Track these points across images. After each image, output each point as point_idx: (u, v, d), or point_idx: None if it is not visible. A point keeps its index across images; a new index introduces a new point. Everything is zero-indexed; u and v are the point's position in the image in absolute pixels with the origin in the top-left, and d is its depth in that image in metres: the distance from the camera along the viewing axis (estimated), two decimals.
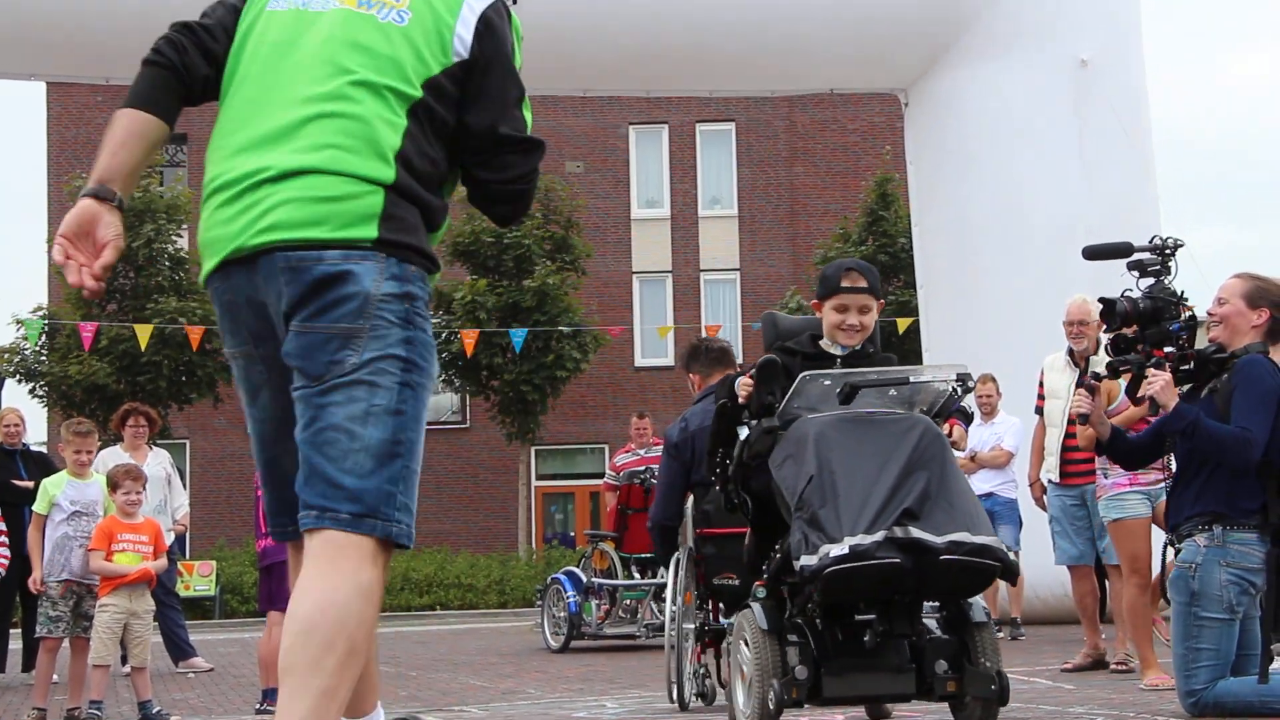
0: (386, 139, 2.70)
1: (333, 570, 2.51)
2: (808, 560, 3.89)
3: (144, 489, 7.06)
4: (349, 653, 2.47)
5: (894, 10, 11.90)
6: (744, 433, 4.46)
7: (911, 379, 4.40)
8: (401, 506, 2.60)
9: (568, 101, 26.68)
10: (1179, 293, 4.99)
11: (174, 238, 23.22)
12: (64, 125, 29.41)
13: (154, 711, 6.57)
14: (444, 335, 22.58)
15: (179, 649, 9.68)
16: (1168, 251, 5.02)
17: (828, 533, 3.90)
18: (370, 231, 2.65)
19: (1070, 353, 7.39)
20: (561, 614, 10.97)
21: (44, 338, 22.57)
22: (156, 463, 9.27)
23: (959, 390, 4.38)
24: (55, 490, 7.10)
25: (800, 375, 4.35)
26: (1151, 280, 5.00)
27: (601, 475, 13.86)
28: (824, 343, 4.66)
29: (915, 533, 3.90)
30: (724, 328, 23.63)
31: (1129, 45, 12.22)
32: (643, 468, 10.80)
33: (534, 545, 25.44)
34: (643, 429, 11.53)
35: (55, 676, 7.13)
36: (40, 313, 23.29)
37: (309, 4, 2.83)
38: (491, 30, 2.88)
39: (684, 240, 29.68)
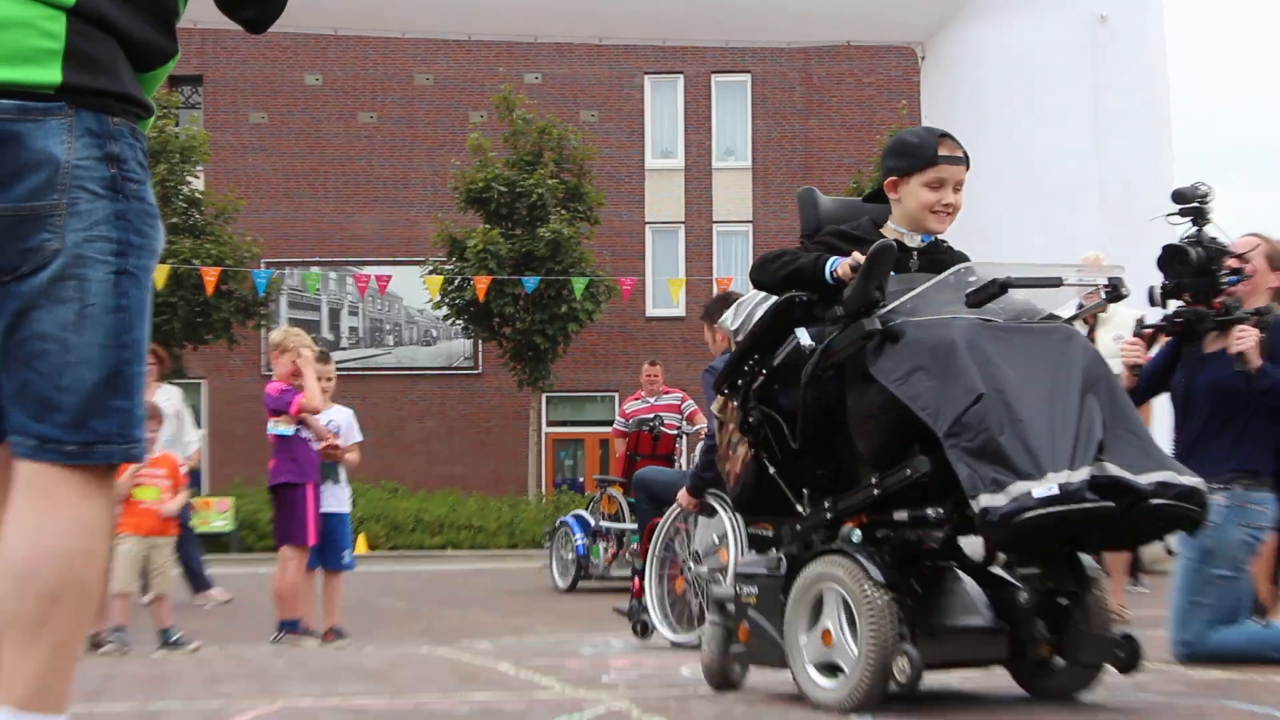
0: None
1: (52, 508, 2.06)
2: (992, 501, 3.14)
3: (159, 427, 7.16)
4: (79, 599, 2.07)
5: None
6: (803, 337, 3.66)
7: (1066, 281, 3.66)
8: (137, 421, 2.13)
9: (583, 50, 26.56)
10: (1225, 244, 4.87)
11: (188, 179, 23.27)
12: None
13: (174, 638, 6.69)
14: (457, 281, 22.64)
15: (197, 580, 9.82)
16: (1201, 196, 4.91)
17: (1017, 468, 3.15)
18: (51, 75, 2.00)
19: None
20: (569, 556, 11.11)
21: None
22: (166, 399, 9.37)
23: (1106, 298, 3.66)
24: None
25: (949, 268, 3.60)
26: (1195, 229, 4.88)
27: (611, 423, 13.95)
28: (894, 228, 3.89)
29: (1113, 471, 3.23)
30: (735, 280, 23.65)
31: (1148, 2, 12.13)
32: (652, 415, 10.90)
33: (543, 489, 25.60)
34: (654, 376, 11.60)
35: None
36: None
37: None
38: None
39: (697, 191, 29.61)
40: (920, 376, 3.36)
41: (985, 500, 3.16)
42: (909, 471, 3.46)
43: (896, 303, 3.55)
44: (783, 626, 3.70)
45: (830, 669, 3.57)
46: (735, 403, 3.94)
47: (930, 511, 3.48)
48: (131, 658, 6.17)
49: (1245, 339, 4.74)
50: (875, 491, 3.54)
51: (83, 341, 2.05)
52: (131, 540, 6.71)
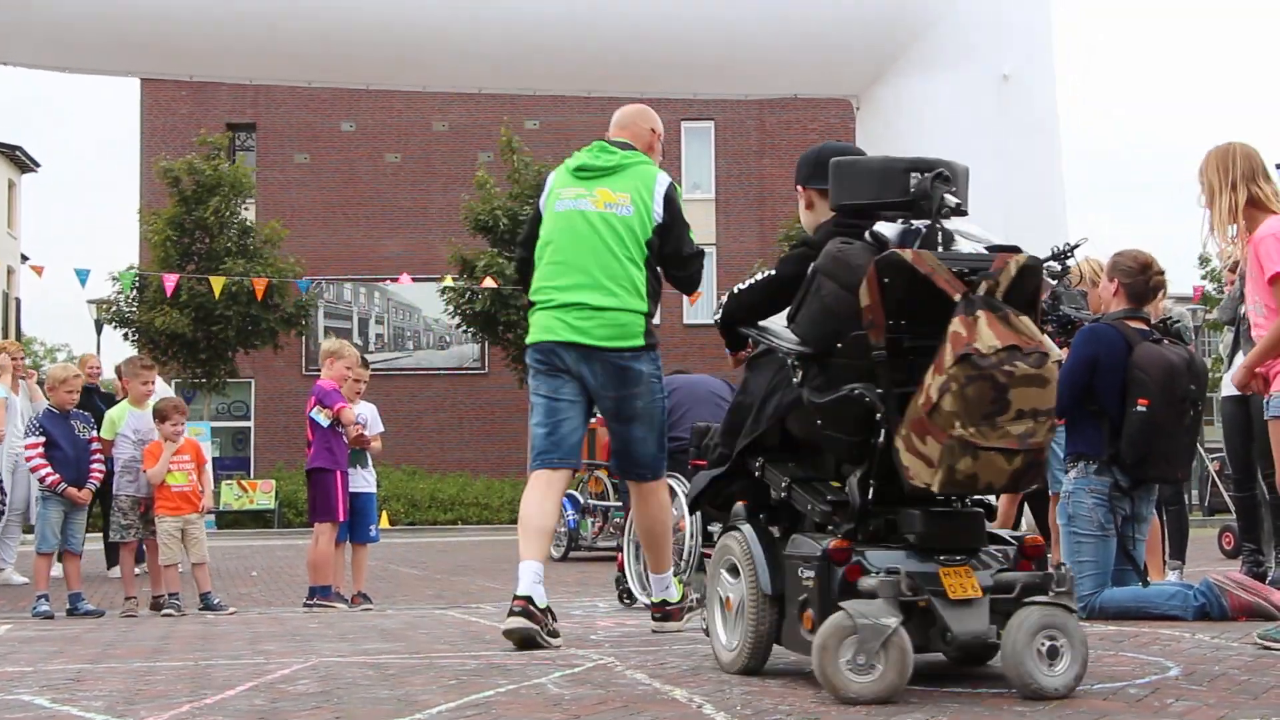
0: (640, 287, 4.38)
1: (656, 500, 4.55)
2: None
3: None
4: (668, 528, 4.67)
5: (849, 28, 11.81)
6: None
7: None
8: (664, 460, 4.55)
9: (573, 100, 26.45)
10: (1053, 302, 4.87)
11: (240, 209, 22.99)
12: (154, 114, 29.12)
13: (214, 602, 6.57)
14: (466, 295, 22.49)
15: None
16: (1061, 255, 4.95)
17: None
18: (641, 341, 4.38)
19: None
20: (562, 529, 11.02)
21: (135, 291, 22.42)
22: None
23: None
24: (119, 419, 6.99)
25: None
26: (1054, 282, 4.93)
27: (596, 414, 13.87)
28: None
29: None
30: (702, 294, 23.59)
31: (1043, 63, 12.16)
32: None
33: None
34: None
35: (135, 570, 7.12)
36: (132, 269, 23.14)
37: (578, 205, 4.43)
38: (671, 201, 4.45)
39: None
40: None
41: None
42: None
43: None
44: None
45: None
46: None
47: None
48: (187, 619, 6.05)
49: None
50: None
51: (654, 436, 4.45)
52: (169, 519, 6.56)
